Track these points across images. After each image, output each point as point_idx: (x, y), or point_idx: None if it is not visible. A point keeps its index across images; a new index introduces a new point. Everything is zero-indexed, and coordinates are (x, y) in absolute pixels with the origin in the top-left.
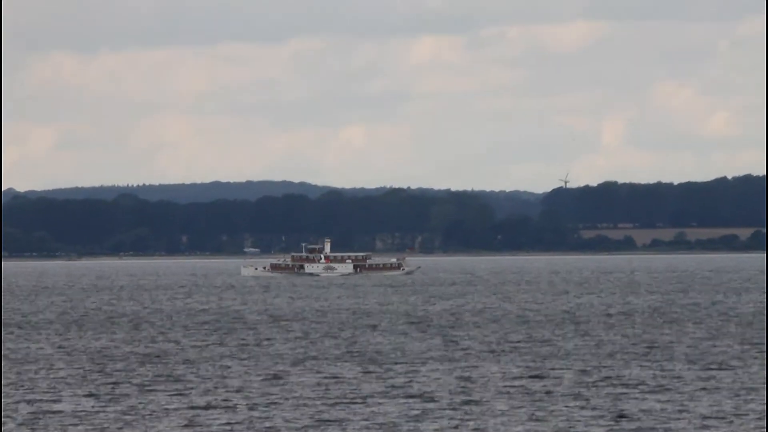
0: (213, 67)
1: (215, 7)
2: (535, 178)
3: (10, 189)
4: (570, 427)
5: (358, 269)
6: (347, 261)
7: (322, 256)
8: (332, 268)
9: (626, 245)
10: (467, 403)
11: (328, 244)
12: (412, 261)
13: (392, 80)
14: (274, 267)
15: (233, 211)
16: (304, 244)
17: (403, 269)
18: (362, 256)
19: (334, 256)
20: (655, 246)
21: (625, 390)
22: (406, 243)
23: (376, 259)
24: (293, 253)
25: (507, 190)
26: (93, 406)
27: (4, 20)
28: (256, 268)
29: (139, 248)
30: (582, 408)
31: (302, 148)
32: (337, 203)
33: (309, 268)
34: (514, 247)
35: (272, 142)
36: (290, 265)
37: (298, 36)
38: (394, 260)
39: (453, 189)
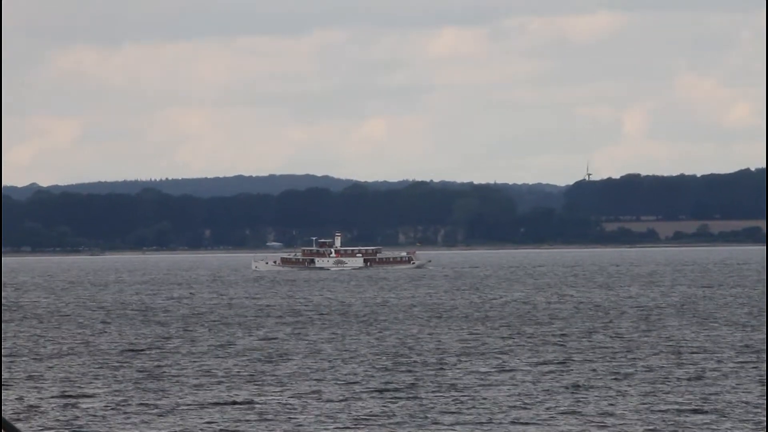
0: (235, 59)
1: None
2: (557, 170)
3: (33, 184)
4: None
5: (369, 263)
6: (357, 255)
7: (333, 250)
8: (342, 263)
9: (649, 238)
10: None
11: (339, 239)
12: (422, 255)
13: (414, 72)
14: (285, 261)
15: (256, 205)
16: (314, 239)
17: (413, 263)
18: (372, 250)
19: (345, 251)
20: (678, 238)
21: None
22: (428, 236)
23: (386, 253)
24: (304, 248)
25: (529, 183)
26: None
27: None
28: (267, 263)
29: (161, 243)
30: None
31: (325, 141)
32: (360, 197)
33: (319, 262)
34: (537, 240)
35: (295, 135)
36: (301, 260)
37: (319, 28)
38: (404, 254)
39: (475, 182)
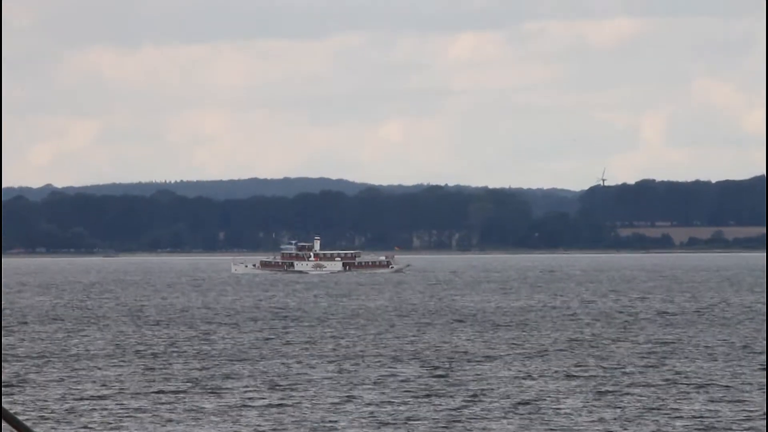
0: (253, 62)
1: (255, 2)
2: (573, 175)
3: (48, 185)
4: None
5: (347, 267)
6: (336, 259)
7: (312, 253)
8: (321, 266)
9: (663, 243)
10: None
11: (318, 242)
12: (401, 259)
13: (431, 76)
14: (264, 264)
15: (270, 208)
16: (294, 242)
17: (391, 267)
18: (351, 254)
19: (324, 254)
20: (693, 244)
21: None
22: (443, 240)
23: (365, 257)
24: (283, 251)
25: (545, 188)
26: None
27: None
28: (246, 266)
29: (176, 245)
30: None
31: (340, 144)
32: (375, 200)
33: (298, 265)
34: (552, 245)
35: (310, 138)
36: (280, 263)
37: (336, 31)
38: (383, 258)
39: (491, 186)
